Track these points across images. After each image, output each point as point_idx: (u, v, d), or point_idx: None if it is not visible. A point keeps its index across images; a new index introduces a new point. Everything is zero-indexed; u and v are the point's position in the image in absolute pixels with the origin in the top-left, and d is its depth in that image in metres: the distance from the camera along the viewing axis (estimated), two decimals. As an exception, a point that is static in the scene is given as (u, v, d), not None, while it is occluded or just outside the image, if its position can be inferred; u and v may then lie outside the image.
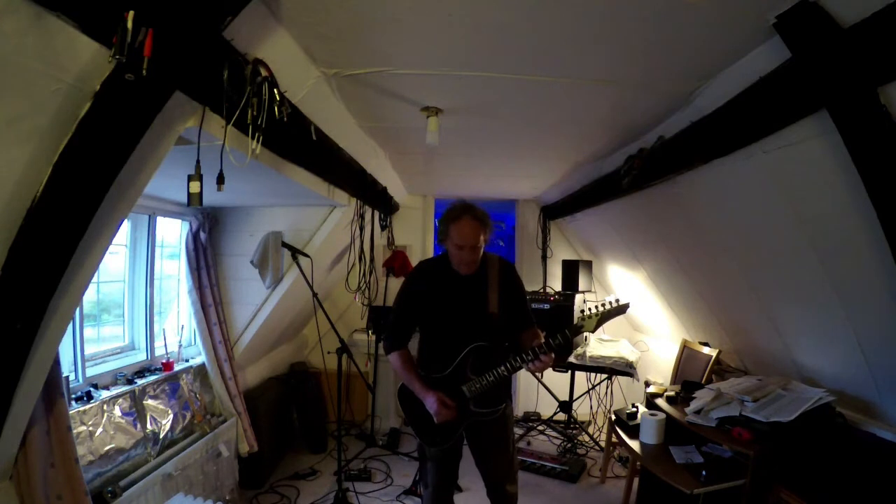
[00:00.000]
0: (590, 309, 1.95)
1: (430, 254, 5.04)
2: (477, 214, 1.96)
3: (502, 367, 1.93)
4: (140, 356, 2.72)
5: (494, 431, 2.11)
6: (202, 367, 3.02)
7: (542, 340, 1.92)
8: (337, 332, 2.99)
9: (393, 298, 4.53)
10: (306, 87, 1.81)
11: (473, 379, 1.98)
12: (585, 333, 4.36)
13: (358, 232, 3.55)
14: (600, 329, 4.64)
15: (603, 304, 1.93)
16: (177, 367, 2.81)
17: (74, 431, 1.87)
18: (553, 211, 4.63)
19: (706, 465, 2.39)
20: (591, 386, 4.20)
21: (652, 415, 2.77)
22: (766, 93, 1.52)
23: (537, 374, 1.93)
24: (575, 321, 1.98)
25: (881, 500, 1.85)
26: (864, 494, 1.88)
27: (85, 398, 2.12)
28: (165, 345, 2.87)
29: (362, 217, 3.59)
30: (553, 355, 1.90)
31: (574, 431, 4.21)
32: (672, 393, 2.83)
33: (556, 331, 1.88)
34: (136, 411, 2.36)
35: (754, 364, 2.91)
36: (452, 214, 1.97)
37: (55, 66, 0.99)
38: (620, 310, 1.93)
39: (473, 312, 2.02)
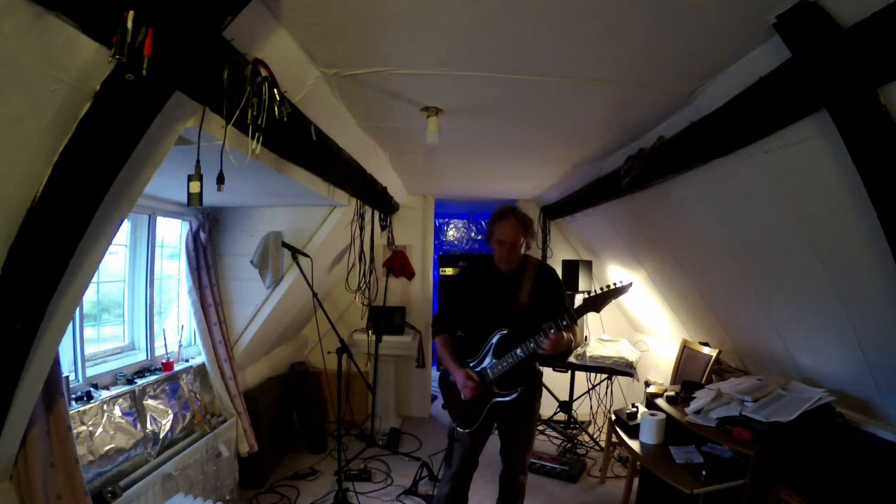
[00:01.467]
0: (594, 290, 2.10)
1: (431, 254, 5.05)
2: (518, 216, 2.19)
3: (518, 350, 2.10)
4: (140, 356, 2.72)
5: (524, 420, 2.31)
6: (202, 367, 3.02)
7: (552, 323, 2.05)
8: (337, 332, 2.99)
9: (393, 299, 4.59)
10: (306, 87, 1.81)
11: (495, 361, 2.18)
12: (586, 334, 4.38)
13: (358, 232, 3.55)
14: (600, 329, 4.62)
15: (608, 286, 2.10)
16: (177, 367, 2.81)
17: (74, 431, 1.87)
18: (553, 211, 4.63)
19: (706, 465, 2.39)
20: (591, 386, 4.21)
21: (652, 415, 2.77)
22: (766, 93, 1.52)
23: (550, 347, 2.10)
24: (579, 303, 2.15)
25: (881, 500, 1.85)
26: (865, 494, 1.88)
27: (85, 398, 2.12)
28: (165, 345, 2.87)
29: (362, 217, 3.59)
30: (563, 334, 2.03)
31: (574, 431, 4.22)
32: (672, 393, 2.83)
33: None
34: (136, 411, 2.36)
35: (754, 364, 2.90)
36: (498, 214, 2.21)
37: (55, 66, 0.99)
38: (623, 290, 2.09)
39: (504, 304, 2.21)
